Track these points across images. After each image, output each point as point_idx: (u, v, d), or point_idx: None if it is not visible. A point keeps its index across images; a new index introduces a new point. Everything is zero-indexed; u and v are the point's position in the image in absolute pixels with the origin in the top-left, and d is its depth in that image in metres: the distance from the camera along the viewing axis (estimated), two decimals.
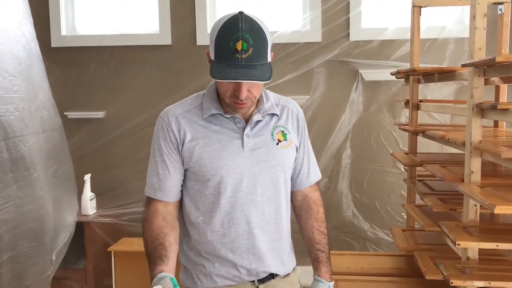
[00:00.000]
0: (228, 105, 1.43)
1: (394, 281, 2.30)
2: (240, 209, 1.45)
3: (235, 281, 1.47)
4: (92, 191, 3.32)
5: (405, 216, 3.00)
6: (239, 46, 1.29)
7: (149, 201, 1.50)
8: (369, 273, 2.40)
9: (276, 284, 1.52)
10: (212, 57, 1.35)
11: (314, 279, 1.59)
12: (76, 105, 3.62)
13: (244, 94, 1.36)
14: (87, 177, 3.29)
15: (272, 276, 1.51)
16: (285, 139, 1.51)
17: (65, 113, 3.53)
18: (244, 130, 1.46)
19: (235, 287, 1.48)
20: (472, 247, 1.69)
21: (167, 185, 1.46)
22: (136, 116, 3.54)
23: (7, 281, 2.51)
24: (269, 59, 1.36)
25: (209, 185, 1.44)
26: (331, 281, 1.60)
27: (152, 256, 1.39)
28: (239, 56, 1.29)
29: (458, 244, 1.58)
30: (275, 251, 1.51)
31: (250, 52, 1.29)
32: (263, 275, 1.50)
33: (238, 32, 1.29)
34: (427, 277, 1.99)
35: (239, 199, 1.45)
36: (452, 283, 1.63)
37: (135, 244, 3.12)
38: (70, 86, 3.60)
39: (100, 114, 3.59)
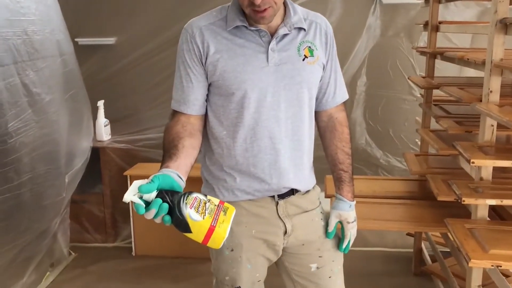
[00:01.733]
0: (249, 16, 1.38)
1: (406, 204, 2.32)
2: (263, 124, 1.43)
3: (256, 195, 1.48)
4: (106, 117, 3.33)
5: (419, 143, 2.98)
6: None
7: (173, 114, 1.48)
8: (381, 195, 2.42)
9: (296, 200, 1.52)
10: None
11: (336, 197, 1.59)
12: (87, 31, 3.55)
13: (269, 13, 1.33)
14: (101, 103, 3.29)
15: (292, 192, 1.51)
16: (312, 55, 1.46)
17: (75, 39, 3.48)
18: (269, 44, 1.41)
19: (255, 201, 1.49)
20: (486, 165, 1.68)
21: (190, 98, 1.44)
22: (148, 41, 3.48)
23: (26, 200, 2.59)
24: None
25: (233, 99, 1.42)
26: (353, 201, 1.60)
27: (164, 156, 1.37)
28: None
29: (473, 162, 1.56)
30: (297, 167, 1.50)
31: None
32: (284, 191, 1.50)
33: None
34: (439, 198, 2.00)
35: (263, 114, 1.43)
36: (464, 201, 1.63)
37: (150, 169, 3.14)
38: (80, 12, 3.52)
39: (111, 40, 3.53)
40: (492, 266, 1.48)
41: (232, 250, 1.49)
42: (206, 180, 1.55)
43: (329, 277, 1.57)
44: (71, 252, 3.21)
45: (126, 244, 3.34)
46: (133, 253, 3.21)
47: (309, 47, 1.46)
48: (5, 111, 2.33)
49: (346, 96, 1.61)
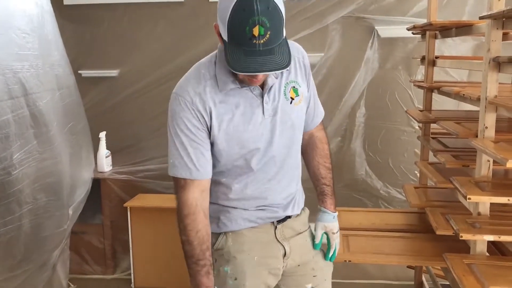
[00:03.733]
0: (242, 79, 1.41)
1: (405, 237, 2.32)
2: (262, 169, 1.50)
3: (258, 222, 1.54)
4: (107, 148, 3.36)
5: (418, 174, 3.00)
6: (256, 31, 1.21)
7: (184, 186, 1.42)
8: (380, 228, 2.42)
9: (291, 223, 1.60)
10: (225, 38, 1.29)
11: (320, 210, 1.68)
12: (90, 63, 3.61)
13: (261, 79, 1.39)
14: (102, 135, 3.33)
15: (288, 216, 1.60)
16: (297, 95, 1.51)
17: (79, 72, 3.54)
18: (262, 97, 1.45)
19: (256, 228, 1.54)
20: (483, 201, 1.69)
21: (201, 162, 1.43)
22: (149, 74, 3.54)
23: (26, 232, 2.60)
24: (284, 34, 1.31)
25: (236, 156, 1.46)
26: (335, 212, 1.69)
27: (198, 264, 1.41)
28: (257, 42, 1.23)
29: (469, 198, 1.58)
30: (294, 198, 1.60)
31: (267, 36, 1.23)
32: (282, 217, 1.58)
33: (254, 16, 1.21)
34: (438, 233, 2.01)
35: (261, 161, 1.49)
36: (461, 236, 1.64)
37: (150, 200, 3.19)
38: (84, 44, 3.59)
39: (114, 73, 3.59)
40: None
41: (235, 279, 1.52)
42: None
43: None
44: (70, 284, 3.19)
45: (125, 275, 3.33)
46: (132, 285, 3.19)
47: (294, 87, 1.51)
48: (12, 143, 2.37)
49: (323, 113, 1.69)
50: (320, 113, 1.68)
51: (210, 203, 1.53)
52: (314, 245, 1.65)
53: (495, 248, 2.10)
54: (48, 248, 2.84)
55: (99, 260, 3.36)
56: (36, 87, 2.58)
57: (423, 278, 2.83)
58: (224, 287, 1.54)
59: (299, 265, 1.61)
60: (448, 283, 2.59)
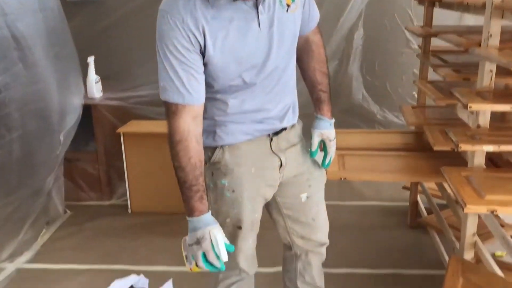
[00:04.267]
0: None
1: (401, 155, 2.29)
2: (260, 85, 1.44)
3: (255, 135, 1.51)
4: (97, 74, 3.26)
5: (416, 96, 2.94)
6: None
7: (175, 111, 1.34)
8: (376, 148, 2.39)
9: (285, 134, 1.56)
10: None
11: (316, 117, 1.65)
12: None
13: None
14: (91, 60, 3.21)
15: (284, 127, 1.56)
16: (293, 1, 1.42)
17: None
18: (256, 8, 1.34)
19: (252, 141, 1.51)
20: (484, 109, 1.64)
21: (193, 86, 1.33)
22: None
23: (18, 157, 2.56)
24: None
25: (233, 76, 1.39)
26: (332, 119, 1.66)
27: (191, 190, 1.37)
28: None
29: (470, 107, 1.52)
30: (290, 108, 1.56)
31: None
32: (278, 129, 1.55)
33: None
34: (435, 148, 1.97)
35: (260, 76, 1.42)
36: (460, 148, 1.60)
37: (143, 126, 3.13)
38: None
39: None
40: (487, 211, 1.47)
41: (233, 191, 1.50)
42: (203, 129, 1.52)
43: (317, 206, 1.67)
44: (67, 210, 3.21)
45: (121, 201, 3.34)
46: (129, 210, 3.21)
47: None
48: None
49: (318, 16, 1.60)
50: (316, 16, 1.59)
51: (205, 119, 1.47)
52: (310, 153, 1.62)
53: (492, 164, 2.09)
54: (41, 174, 2.82)
55: (94, 187, 3.35)
56: (16, 8, 2.45)
57: (418, 199, 2.84)
58: (222, 200, 1.53)
59: (294, 176, 1.60)
60: (444, 202, 2.61)
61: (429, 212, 2.76)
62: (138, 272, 2.46)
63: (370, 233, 2.83)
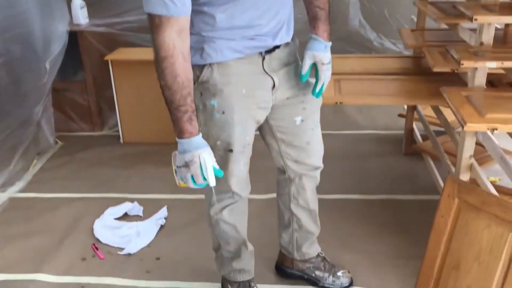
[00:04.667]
0: None
1: (399, 79, 2.23)
2: None
3: (245, 53, 1.42)
4: None
5: (415, 19, 2.83)
6: None
7: (159, 25, 1.25)
8: (373, 72, 2.32)
9: (279, 54, 1.48)
10: None
11: (311, 37, 1.53)
12: None
13: None
14: None
15: (277, 46, 1.47)
16: None
17: None
18: None
19: (243, 59, 1.42)
20: (490, 22, 1.55)
21: None
22: None
23: (4, 85, 2.48)
24: None
25: None
26: (329, 42, 1.54)
27: (179, 110, 1.29)
28: None
29: (475, 19, 1.44)
30: (284, 24, 1.46)
31: None
32: (271, 47, 1.46)
33: None
34: (435, 69, 1.90)
35: None
36: (462, 64, 1.54)
37: (132, 53, 3.03)
38: None
39: None
40: (488, 129, 1.43)
41: (223, 113, 1.44)
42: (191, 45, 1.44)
43: (312, 129, 1.61)
44: (57, 141, 3.16)
45: (113, 132, 3.29)
46: (121, 141, 3.17)
47: None
48: None
49: None
50: None
51: (192, 34, 1.38)
52: (300, 77, 1.53)
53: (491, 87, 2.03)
54: (29, 103, 2.75)
55: (85, 117, 3.29)
56: None
57: (414, 126, 2.81)
58: (212, 122, 1.47)
59: (288, 98, 1.53)
60: (441, 129, 2.58)
61: (424, 139, 2.74)
62: (131, 200, 2.45)
63: (364, 160, 2.82)
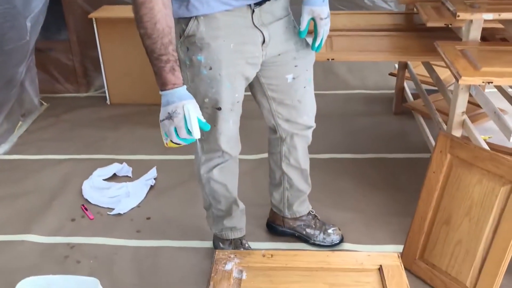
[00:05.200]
0: None
1: (391, 35, 2.19)
2: None
3: (232, 5, 1.35)
4: None
5: None
6: None
7: None
8: (365, 29, 2.27)
9: (269, 7, 1.42)
10: None
11: None
12: None
13: None
14: None
15: None
16: None
17: None
18: None
19: (232, 12, 1.36)
20: None
21: None
22: None
23: None
24: None
25: None
26: None
27: (161, 60, 1.23)
28: None
29: None
30: None
31: None
32: None
33: None
34: (428, 24, 1.87)
35: None
36: (458, 16, 1.50)
37: (117, 11, 2.92)
38: None
39: None
40: (483, 82, 1.40)
41: (210, 69, 1.39)
42: None
43: (304, 87, 1.57)
44: (43, 102, 3.09)
45: (99, 93, 3.23)
46: (108, 102, 3.11)
47: None
48: None
49: None
50: None
51: None
52: (299, 33, 1.48)
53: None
54: (11, 62, 2.65)
55: (70, 78, 3.21)
56: None
57: (405, 85, 2.78)
58: (199, 78, 1.42)
59: (279, 55, 1.48)
60: (432, 88, 2.56)
61: (415, 98, 2.71)
62: (120, 161, 2.42)
63: (354, 120, 2.80)
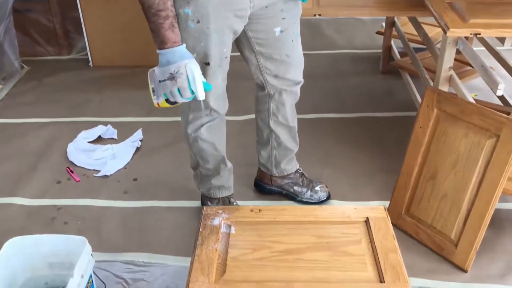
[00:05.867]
0: None
1: None
2: None
3: None
4: None
5: None
6: None
7: None
8: None
9: None
10: None
11: None
12: None
13: None
14: None
15: None
16: None
17: None
18: None
19: None
20: None
21: None
22: None
23: None
24: None
25: None
26: None
27: (159, 16, 1.20)
28: None
29: None
30: None
31: None
32: None
33: None
34: None
35: None
36: None
37: None
38: None
39: None
40: (470, 34, 1.39)
41: (198, 22, 1.36)
42: None
43: (292, 41, 1.54)
44: (23, 65, 3.02)
45: (82, 56, 3.15)
46: (91, 64, 3.04)
47: None
48: None
49: None
50: None
51: None
52: None
53: None
54: None
55: (51, 40, 3.12)
56: None
57: (392, 43, 2.76)
58: (186, 33, 1.38)
59: (266, 7, 1.45)
60: (419, 46, 2.54)
61: (402, 57, 2.70)
62: (105, 124, 2.39)
63: (342, 80, 2.78)
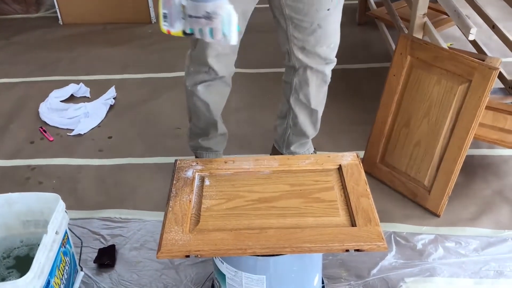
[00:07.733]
0: None
1: None
2: None
3: None
4: None
5: None
6: None
7: None
8: None
9: None
10: None
11: None
12: None
13: None
14: None
15: None
16: None
17: None
18: None
19: None
20: None
21: None
22: None
23: None
24: None
25: None
26: None
27: None
28: None
29: None
30: None
31: None
32: None
33: None
34: None
35: None
36: None
37: None
38: None
39: None
40: None
41: None
42: None
43: (328, 10, 1.36)
44: None
45: (50, 14, 3.05)
46: (60, 22, 2.94)
47: None
48: None
49: None
50: None
51: None
52: None
53: None
54: None
55: None
56: None
57: None
58: None
59: None
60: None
61: (379, 7, 2.66)
62: (77, 82, 2.33)
63: None
